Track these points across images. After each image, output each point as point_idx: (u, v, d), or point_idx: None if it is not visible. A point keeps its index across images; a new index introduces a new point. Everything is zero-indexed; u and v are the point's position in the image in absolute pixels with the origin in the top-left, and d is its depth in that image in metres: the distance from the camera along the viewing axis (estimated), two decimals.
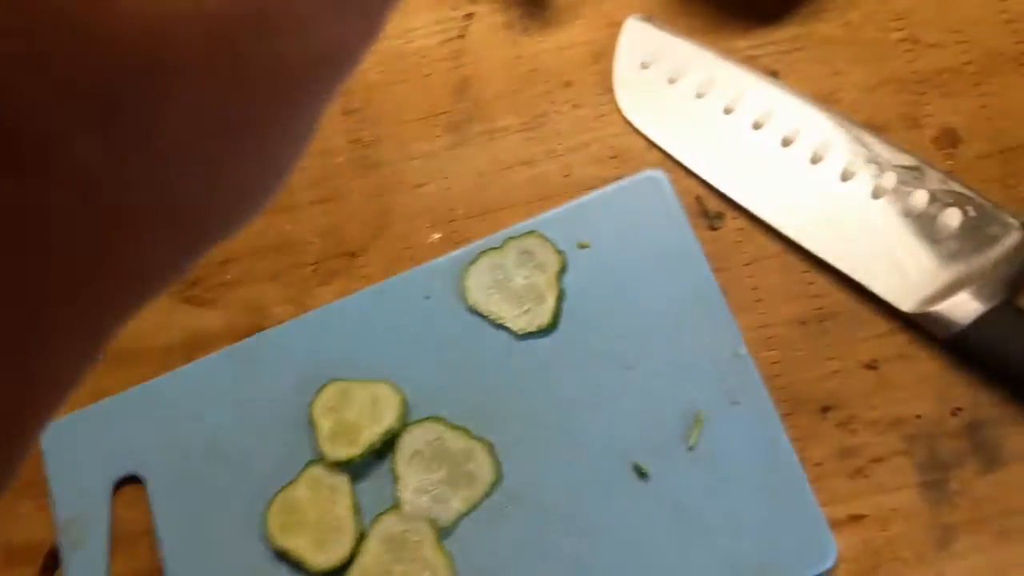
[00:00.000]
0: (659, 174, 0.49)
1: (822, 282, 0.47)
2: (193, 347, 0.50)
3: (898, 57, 0.49)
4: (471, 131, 0.52)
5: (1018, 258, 0.44)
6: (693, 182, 0.49)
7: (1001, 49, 0.48)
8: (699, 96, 0.50)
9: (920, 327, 0.45)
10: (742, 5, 0.51)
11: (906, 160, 0.46)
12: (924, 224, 0.45)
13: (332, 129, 0.53)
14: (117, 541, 0.48)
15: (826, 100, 0.49)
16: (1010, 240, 0.44)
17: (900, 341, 0.45)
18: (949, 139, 0.47)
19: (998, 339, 0.43)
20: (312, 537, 0.46)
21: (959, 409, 0.44)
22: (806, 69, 0.50)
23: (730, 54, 0.51)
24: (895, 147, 0.47)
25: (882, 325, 0.46)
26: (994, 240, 0.44)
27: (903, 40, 0.49)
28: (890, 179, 0.46)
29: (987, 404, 0.44)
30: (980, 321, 0.43)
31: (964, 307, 0.43)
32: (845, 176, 0.47)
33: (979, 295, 0.43)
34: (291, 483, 0.47)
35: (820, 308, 0.46)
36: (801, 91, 0.49)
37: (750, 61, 0.51)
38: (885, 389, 0.45)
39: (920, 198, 0.45)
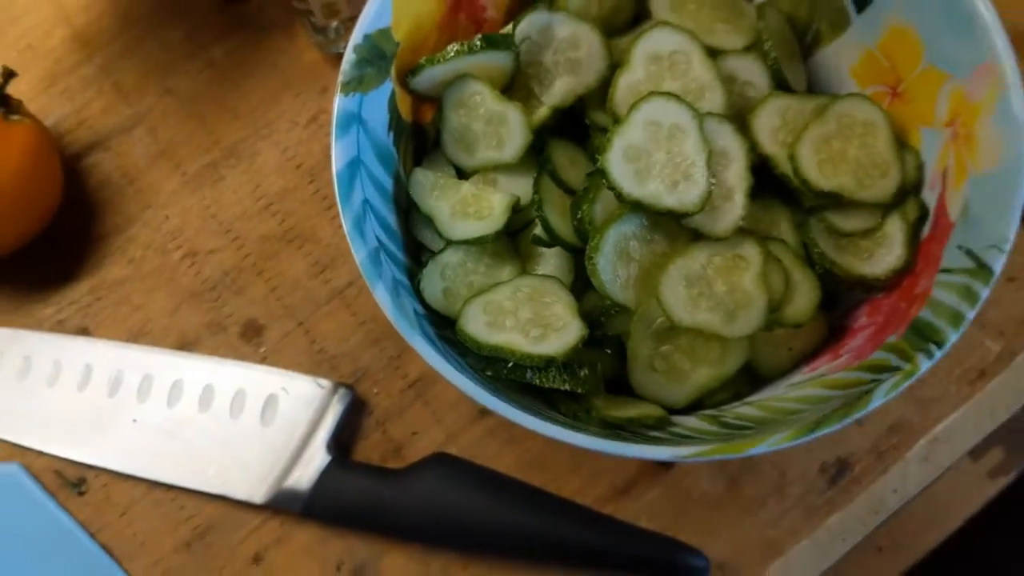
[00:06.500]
0: (13, 467, 0.50)
1: (192, 504, 0.49)
2: None
3: (185, 273, 0.53)
4: None
5: (332, 416, 0.49)
6: (47, 460, 0.50)
7: (269, 233, 0.54)
8: (21, 375, 0.51)
9: (282, 508, 0.48)
10: (35, 276, 0.53)
11: (210, 366, 0.50)
12: (251, 418, 0.49)
13: None
14: None
15: (139, 336, 0.52)
16: (323, 402, 0.49)
17: (272, 527, 0.49)
18: (254, 330, 0.52)
19: (338, 491, 0.48)
20: None
21: (342, 563, 0.48)
22: (111, 314, 0.53)
23: (40, 325, 0.52)
24: (207, 359, 0.51)
25: (254, 520, 0.49)
26: (311, 407, 0.49)
27: (184, 257, 0.54)
28: (214, 391, 0.50)
29: (361, 548, 0.49)
30: (318, 484, 0.47)
31: (301, 478, 0.48)
32: (172, 402, 0.50)
33: (311, 462, 0.48)
34: None
35: (197, 527, 0.49)
36: (114, 337, 0.52)
37: (59, 327, 0.52)
38: (272, 573, 0.48)
39: (239, 397, 0.50)
